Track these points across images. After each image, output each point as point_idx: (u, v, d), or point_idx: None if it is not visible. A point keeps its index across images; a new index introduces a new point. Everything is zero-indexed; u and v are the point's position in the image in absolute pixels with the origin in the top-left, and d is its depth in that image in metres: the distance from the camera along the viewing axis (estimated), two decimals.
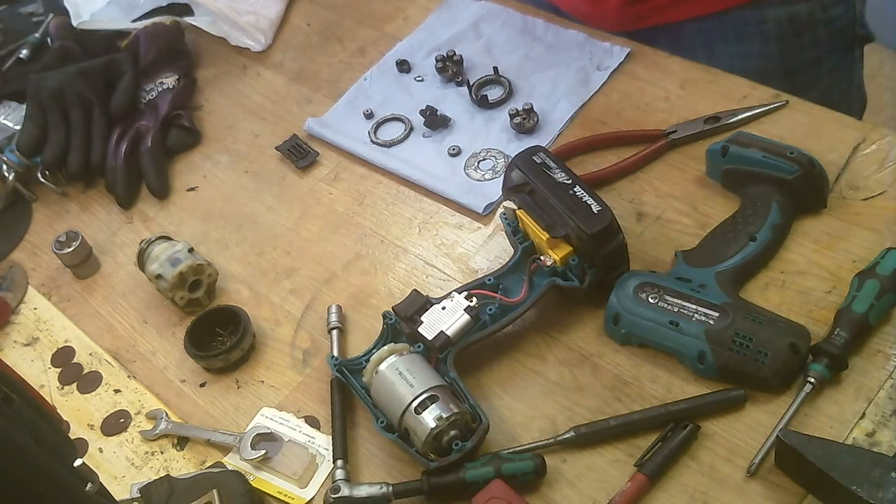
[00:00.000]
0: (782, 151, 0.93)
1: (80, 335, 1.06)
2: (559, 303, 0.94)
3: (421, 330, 0.88)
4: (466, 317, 0.88)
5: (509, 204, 0.97)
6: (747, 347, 0.82)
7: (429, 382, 0.84)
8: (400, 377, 0.84)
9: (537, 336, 0.93)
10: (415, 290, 0.92)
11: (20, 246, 1.18)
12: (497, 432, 0.87)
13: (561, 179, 0.90)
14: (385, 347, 0.88)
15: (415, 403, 0.82)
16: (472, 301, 0.89)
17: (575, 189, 0.89)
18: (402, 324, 0.91)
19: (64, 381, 1.02)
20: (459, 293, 0.90)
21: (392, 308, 0.92)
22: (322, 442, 0.91)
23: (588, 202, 0.88)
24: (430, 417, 0.82)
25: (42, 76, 1.22)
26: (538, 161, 0.93)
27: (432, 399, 0.82)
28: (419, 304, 0.90)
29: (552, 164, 0.92)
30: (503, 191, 0.97)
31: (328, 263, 1.06)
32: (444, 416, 0.81)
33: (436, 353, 0.88)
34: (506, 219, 0.96)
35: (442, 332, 0.88)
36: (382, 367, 0.86)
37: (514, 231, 0.95)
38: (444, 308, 0.89)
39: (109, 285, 1.11)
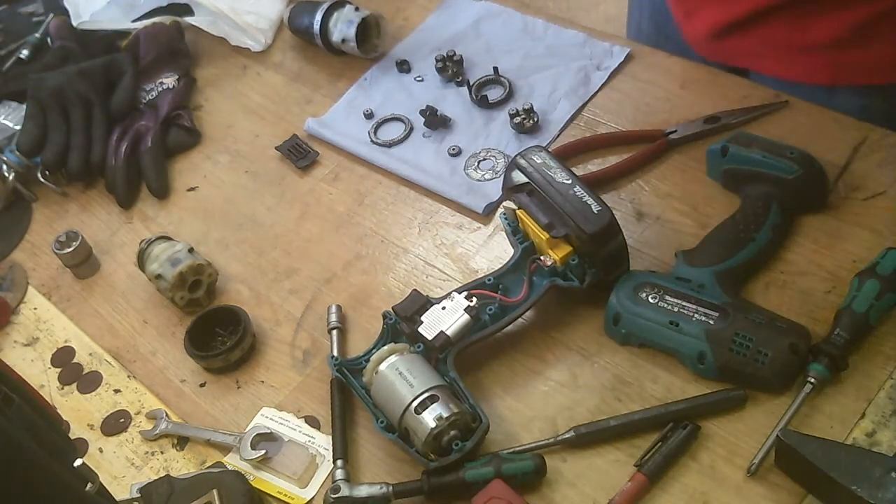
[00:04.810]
0: (782, 151, 0.93)
1: (80, 335, 1.06)
2: (559, 303, 0.94)
3: (421, 330, 0.88)
4: (466, 317, 0.88)
5: (509, 204, 0.97)
6: (747, 347, 0.82)
7: (429, 382, 0.84)
8: (400, 377, 0.84)
9: (537, 336, 0.93)
10: (415, 290, 0.92)
11: (20, 246, 1.18)
12: (497, 432, 0.87)
13: (561, 179, 0.90)
14: (385, 347, 0.88)
15: (415, 403, 0.82)
16: (472, 301, 0.89)
17: (575, 189, 0.89)
18: (402, 324, 0.91)
19: (64, 381, 1.02)
20: (459, 293, 0.90)
21: (392, 308, 0.92)
22: (322, 442, 0.91)
23: (588, 202, 0.88)
24: (430, 417, 0.82)
25: (42, 76, 1.22)
26: (538, 161, 0.93)
27: (432, 399, 0.82)
28: (419, 304, 0.90)
29: (552, 164, 0.92)
30: (503, 191, 0.97)
31: (328, 263, 1.06)
32: (444, 416, 0.81)
33: (436, 353, 0.88)
34: (506, 219, 0.96)
35: (442, 332, 0.88)
36: (382, 367, 0.86)
37: (514, 231, 0.95)
38: (444, 308, 0.89)
39: (109, 285, 1.11)
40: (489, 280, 0.92)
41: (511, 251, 0.96)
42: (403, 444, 0.84)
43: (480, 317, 0.89)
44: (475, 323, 0.89)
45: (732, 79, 1.09)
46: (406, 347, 0.88)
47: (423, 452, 0.82)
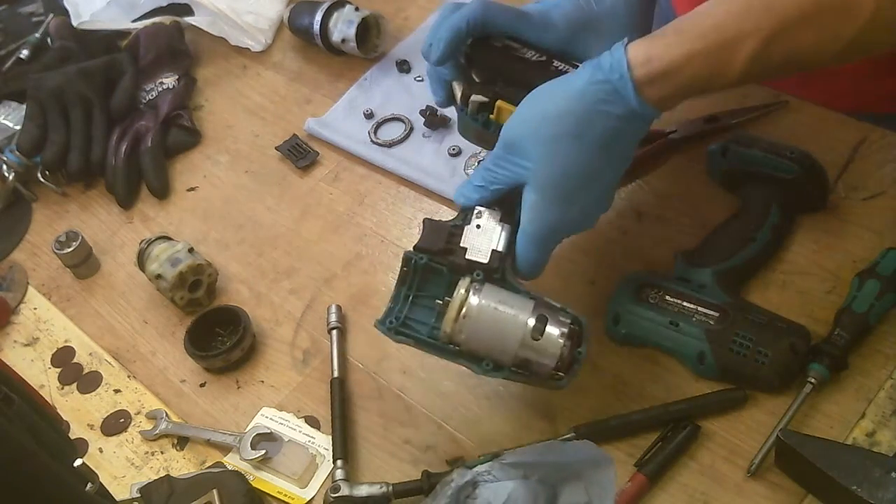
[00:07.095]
0: (782, 151, 0.92)
1: (80, 335, 1.06)
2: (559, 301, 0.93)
3: (471, 257, 0.80)
4: (507, 227, 0.81)
5: (478, 97, 0.86)
6: (747, 347, 0.82)
7: (526, 306, 0.77)
8: (496, 312, 0.77)
9: None
10: (426, 218, 0.84)
11: (20, 246, 1.18)
12: (497, 432, 0.87)
13: (534, 58, 0.82)
14: (460, 290, 0.78)
15: (530, 330, 0.76)
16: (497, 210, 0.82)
17: (554, 63, 0.81)
18: (436, 259, 0.81)
19: (64, 381, 1.02)
20: (482, 211, 0.82)
21: (414, 247, 0.82)
22: (322, 442, 0.91)
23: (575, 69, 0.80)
24: (554, 337, 0.76)
25: (42, 76, 1.22)
26: (499, 45, 0.82)
27: (542, 320, 0.77)
28: (444, 233, 0.81)
29: (516, 45, 0.82)
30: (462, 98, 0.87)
31: (328, 263, 1.06)
32: (564, 331, 0.76)
33: (492, 274, 0.80)
34: (475, 118, 0.85)
35: (494, 250, 0.80)
36: (473, 309, 0.77)
37: (486, 124, 0.85)
38: (478, 227, 0.81)
39: (109, 285, 1.11)
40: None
41: None
42: (521, 377, 0.78)
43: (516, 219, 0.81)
44: (516, 228, 0.80)
45: None
46: (470, 282, 0.79)
47: (549, 375, 0.77)
